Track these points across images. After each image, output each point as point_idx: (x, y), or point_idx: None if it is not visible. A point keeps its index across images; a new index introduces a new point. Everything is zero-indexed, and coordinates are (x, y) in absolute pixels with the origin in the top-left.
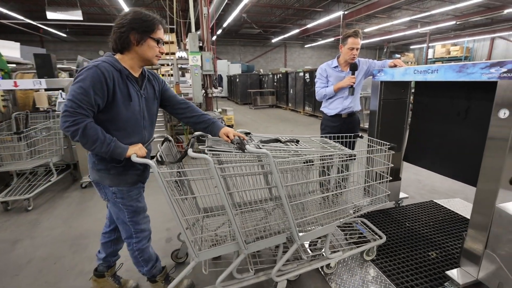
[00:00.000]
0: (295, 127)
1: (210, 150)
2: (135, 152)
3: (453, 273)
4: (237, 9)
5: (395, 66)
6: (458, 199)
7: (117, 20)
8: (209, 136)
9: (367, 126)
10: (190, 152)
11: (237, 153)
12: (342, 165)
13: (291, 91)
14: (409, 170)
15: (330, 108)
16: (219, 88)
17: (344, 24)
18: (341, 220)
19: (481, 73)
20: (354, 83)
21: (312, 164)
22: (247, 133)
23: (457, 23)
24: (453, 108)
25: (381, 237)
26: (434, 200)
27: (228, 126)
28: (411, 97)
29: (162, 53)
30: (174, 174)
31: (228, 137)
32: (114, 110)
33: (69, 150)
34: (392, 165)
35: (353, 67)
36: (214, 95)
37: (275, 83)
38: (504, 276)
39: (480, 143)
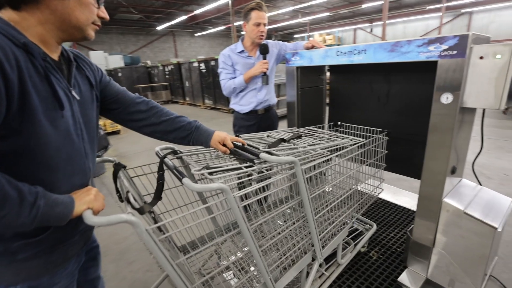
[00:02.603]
0: None
1: (211, 173)
2: (90, 205)
3: (403, 278)
4: None
5: (312, 47)
6: None
7: None
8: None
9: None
10: (188, 183)
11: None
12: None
13: (187, 84)
14: None
15: (242, 104)
16: None
17: (233, 12)
18: (353, 222)
19: (418, 52)
20: (267, 69)
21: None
22: None
23: (330, 14)
24: (372, 93)
25: (371, 226)
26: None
27: (114, 132)
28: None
29: (103, 19)
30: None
31: (226, 146)
32: (28, 132)
33: None
34: (387, 151)
35: (264, 50)
36: None
37: (167, 76)
38: (454, 272)
39: (406, 129)
